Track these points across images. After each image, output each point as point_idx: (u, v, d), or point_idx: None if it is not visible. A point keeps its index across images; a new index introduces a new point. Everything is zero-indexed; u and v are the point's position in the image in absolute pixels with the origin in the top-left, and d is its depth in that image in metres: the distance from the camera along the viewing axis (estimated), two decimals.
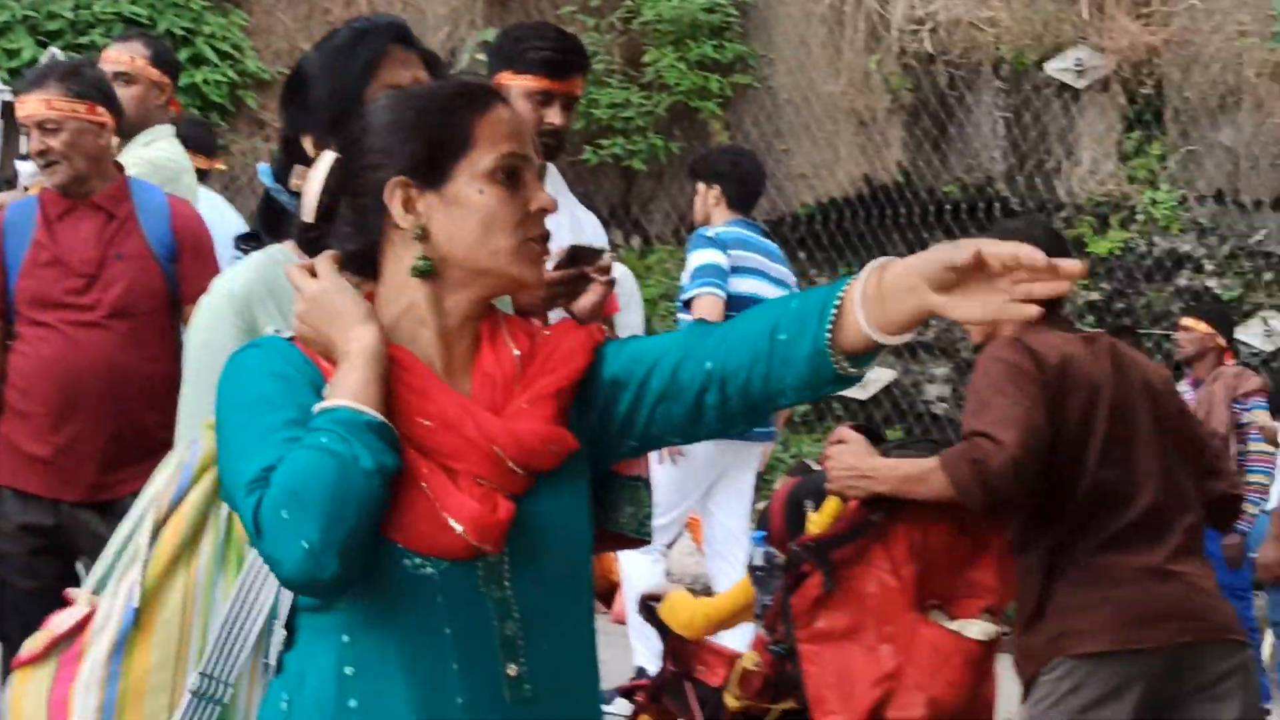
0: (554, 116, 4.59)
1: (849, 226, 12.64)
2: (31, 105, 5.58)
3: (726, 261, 7.65)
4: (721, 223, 7.85)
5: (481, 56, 13.70)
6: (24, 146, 6.37)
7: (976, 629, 4.48)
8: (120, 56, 6.62)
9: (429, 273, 2.37)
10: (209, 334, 2.88)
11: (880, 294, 2.20)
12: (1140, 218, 11.89)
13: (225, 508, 2.44)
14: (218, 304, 2.88)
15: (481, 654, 2.33)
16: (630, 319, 8.48)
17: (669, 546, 9.64)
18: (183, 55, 13.36)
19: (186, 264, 5.67)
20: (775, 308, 2.34)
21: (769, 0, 13.37)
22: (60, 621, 2.51)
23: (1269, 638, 9.66)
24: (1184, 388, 9.38)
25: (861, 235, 12.61)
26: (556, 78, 4.61)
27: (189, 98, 13.40)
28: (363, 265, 2.42)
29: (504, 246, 2.38)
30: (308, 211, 2.47)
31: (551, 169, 4.72)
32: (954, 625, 4.50)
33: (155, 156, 6.48)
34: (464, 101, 2.41)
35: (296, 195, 2.89)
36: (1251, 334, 11.46)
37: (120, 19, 13.15)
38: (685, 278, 7.92)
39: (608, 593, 10.25)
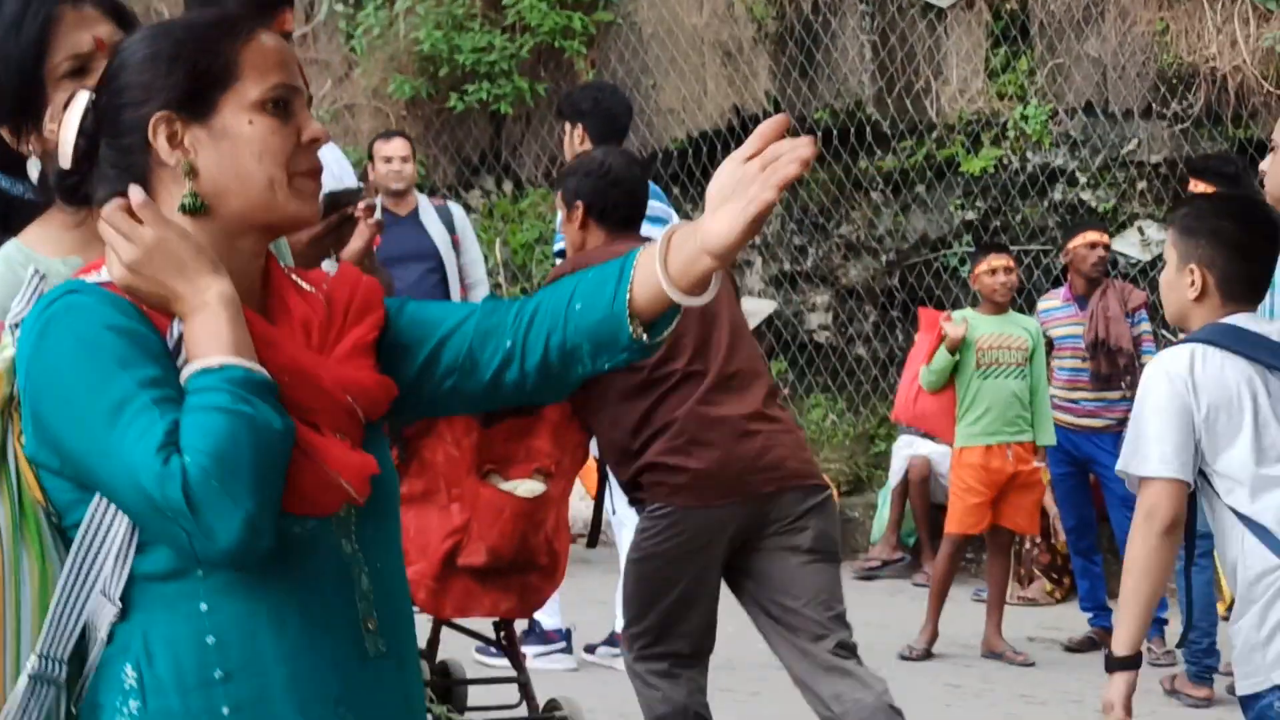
0: None
1: (721, 159, 12.47)
2: None
3: None
4: None
5: (340, 6, 13.50)
6: None
7: (525, 488, 5.44)
8: None
9: (198, 210, 2.25)
10: None
11: (671, 248, 2.24)
12: (1011, 134, 11.86)
13: (13, 467, 2.24)
14: None
15: (344, 609, 2.26)
16: (471, 255, 8.52)
17: None
18: None
19: None
20: (575, 279, 2.34)
21: None
22: None
23: None
24: (1055, 301, 9.34)
25: None
26: (261, 16, 4.38)
27: None
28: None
29: (278, 179, 2.26)
30: (65, 157, 2.30)
31: None
32: (506, 486, 5.43)
33: None
34: (225, 30, 2.29)
35: (22, 179, 2.69)
36: (1129, 244, 11.48)
37: None
38: (558, 225, 7.77)
39: None
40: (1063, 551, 10.07)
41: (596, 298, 2.28)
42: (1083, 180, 11.74)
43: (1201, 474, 4.04)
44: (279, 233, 2.37)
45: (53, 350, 2.16)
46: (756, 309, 12.56)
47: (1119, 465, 4.17)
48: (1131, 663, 4.02)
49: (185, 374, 2.15)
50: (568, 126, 7.78)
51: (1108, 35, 11.61)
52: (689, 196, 12.67)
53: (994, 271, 8.99)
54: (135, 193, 2.23)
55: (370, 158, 9.11)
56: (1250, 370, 4.02)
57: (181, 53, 2.26)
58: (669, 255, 2.23)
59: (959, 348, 8.81)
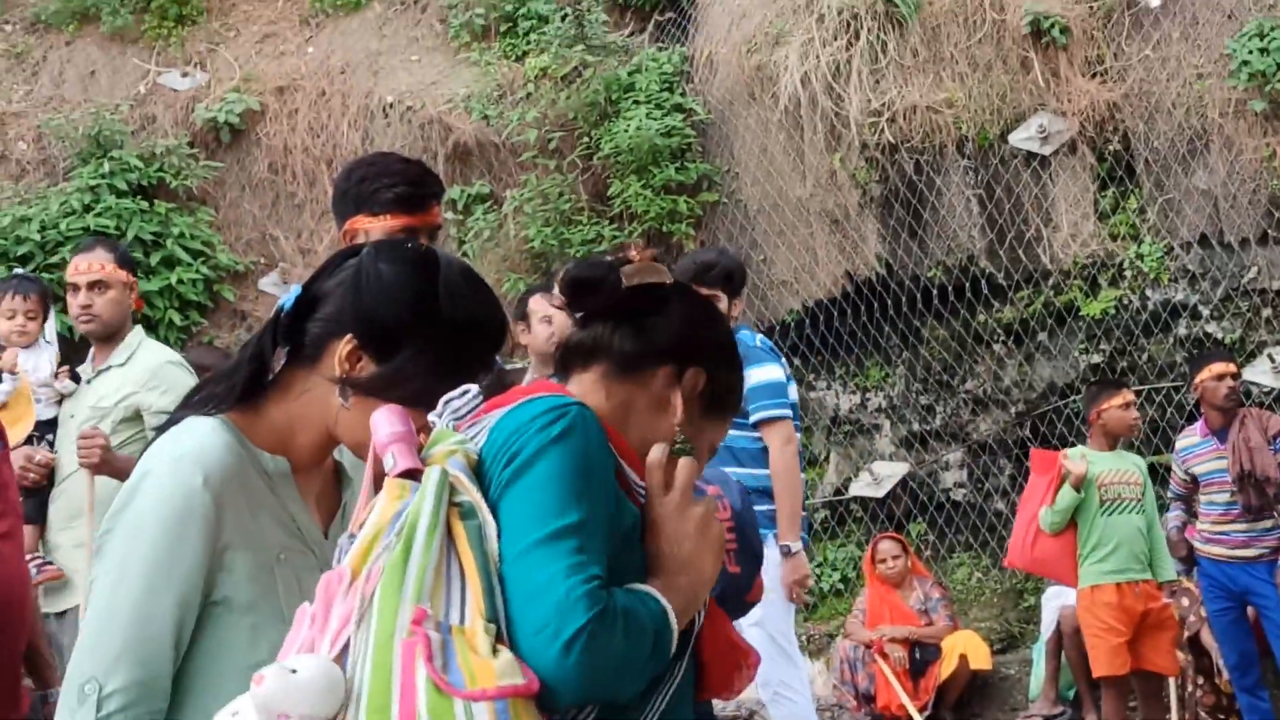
0: None
1: (839, 325, 12.54)
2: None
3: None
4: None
5: (450, 214, 13.71)
6: None
7: None
8: (92, 264, 6.60)
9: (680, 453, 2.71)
10: (167, 531, 2.71)
11: None
12: (1129, 273, 11.78)
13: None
14: (189, 490, 2.72)
15: None
16: None
17: None
18: (155, 259, 13.37)
19: None
20: None
21: (725, 115, 13.35)
22: None
23: None
24: (1194, 438, 9.20)
25: (852, 332, 12.51)
26: (417, 212, 4.45)
27: (166, 300, 13.38)
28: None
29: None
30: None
31: None
32: None
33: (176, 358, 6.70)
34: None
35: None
36: (1259, 373, 11.31)
37: (87, 233, 13.15)
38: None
39: None
40: (1227, 691, 9.83)
41: None
42: (1206, 313, 11.62)
43: None
44: None
45: (566, 452, 2.47)
46: (889, 472, 12.47)
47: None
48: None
49: (650, 585, 2.51)
50: (724, 297, 7.40)
51: (1215, 166, 11.55)
52: (810, 366, 12.66)
53: (1127, 406, 8.88)
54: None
55: (524, 317, 7.91)
56: None
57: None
58: None
59: (1081, 485, 8.69)
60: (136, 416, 6.45)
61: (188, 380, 6.48)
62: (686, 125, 13.34)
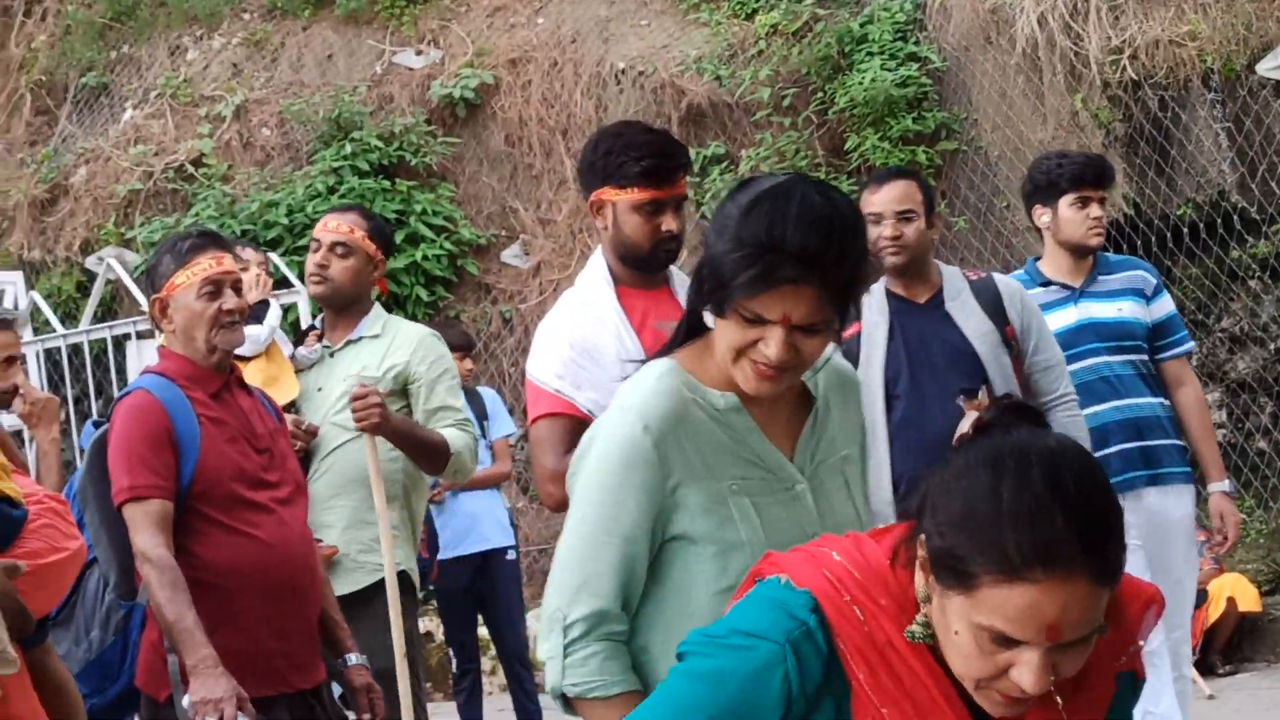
0: (670, 223, 4.46)
1: None
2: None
3: None
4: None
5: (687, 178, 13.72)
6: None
7: None
8: (341, 226, 6.15)
9: (923, 640, 2.25)
10: (613, 476, 2.98)
11: None
12: None
13: None
14: (631, 438, 2.96)
15: None
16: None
17: None
18: (399, 237, 13.57)
19: None
20: None
21: (960, 61, 13.17)
22: None
23: None
24: None
25: None
26: (663, 185, 4.43)
27: (412, 276, 13.59)
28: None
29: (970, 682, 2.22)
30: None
31: (677, 272, 4.64)
32: None
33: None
34: (1024, 562, 2.11)
35: None
36: None
37: None
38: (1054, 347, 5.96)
39: None
40: None
41: None
42: None
43: None
44: None
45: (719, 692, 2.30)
46: None
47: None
48: None
49: None
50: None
51: None
52: None
53: None
54: None
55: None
56: None
57: (992, 547, 2.12)
58: None
59: None
60: (403, 390, 6.08)
61: (447, 353, 6.23)
62: (922, 74, 13.21)
